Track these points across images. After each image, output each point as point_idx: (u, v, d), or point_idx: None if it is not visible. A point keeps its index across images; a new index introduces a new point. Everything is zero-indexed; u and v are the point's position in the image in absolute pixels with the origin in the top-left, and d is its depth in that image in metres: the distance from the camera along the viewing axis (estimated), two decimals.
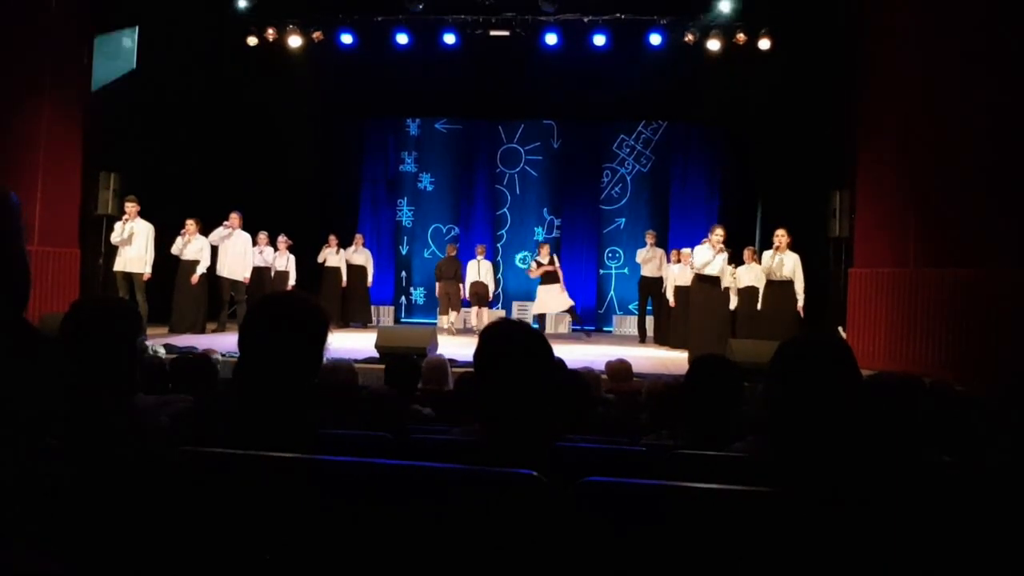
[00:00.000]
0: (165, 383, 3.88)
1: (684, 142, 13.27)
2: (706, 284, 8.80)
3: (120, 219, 9.22)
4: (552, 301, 11.13)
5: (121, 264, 9.16)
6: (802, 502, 1.37)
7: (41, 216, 8.46)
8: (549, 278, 11.08)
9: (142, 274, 9.15)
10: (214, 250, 9.96)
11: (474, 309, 11.57)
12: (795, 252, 8.51)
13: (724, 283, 8.72)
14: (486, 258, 11.77)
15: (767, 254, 8.51)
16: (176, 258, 9.62)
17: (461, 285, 11.49)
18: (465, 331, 11.57)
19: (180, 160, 11.00)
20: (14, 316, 1.25)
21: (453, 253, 11.77)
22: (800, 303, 8.46)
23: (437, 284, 11.73)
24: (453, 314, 11.58)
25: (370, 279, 12.20)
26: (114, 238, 9.16)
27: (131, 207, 9.18)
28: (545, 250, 11.31)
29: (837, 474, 1.57)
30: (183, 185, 10.84)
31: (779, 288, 8.48)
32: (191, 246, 9.61)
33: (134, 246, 9.12)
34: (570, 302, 11.26)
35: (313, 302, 1.79)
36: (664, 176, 13.27)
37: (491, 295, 11.73)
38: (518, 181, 13.60)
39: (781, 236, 8.43)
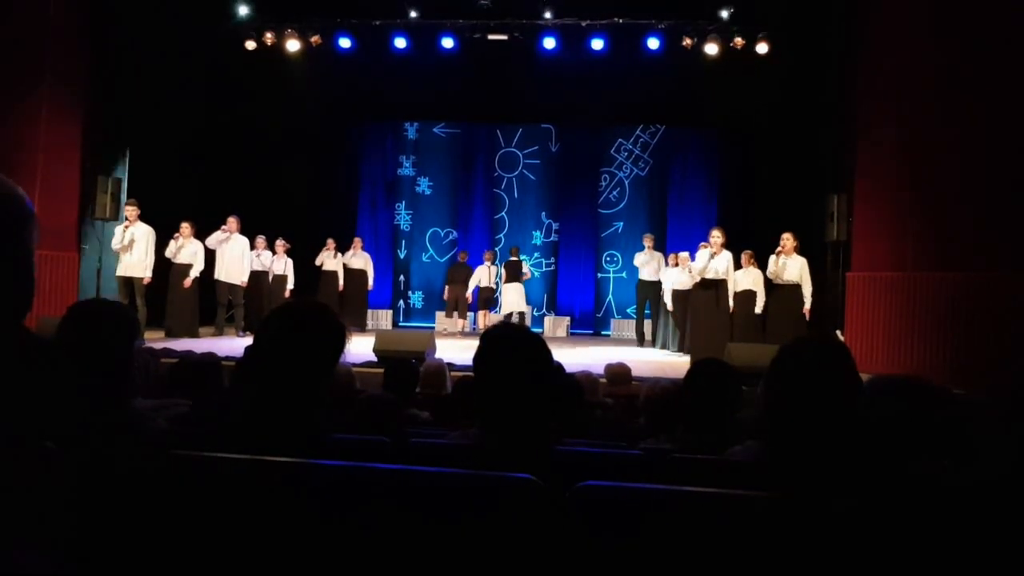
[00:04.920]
0: (164, 387, 3.88)
1: (682, 146, 13.30)
2: (707, 288, 8.82)
3: (120, 223, 9.21)
4: (517, 298, 11.36)
5: (122, 269, 9.15)
6: (800, 507, 1.37)
7: (39, 219, 8.42)
8: (514, 277, 11.39)
9: (143, 278, 9.15)
10: (212, 254, 9.94)
11: (481, 312, 11.70)
12: (801, 256, 8.53)
13: (730, 284, 8.77)
14: (493, 264, 11.89)
15: (771, 258, 8.52)
16: (169, 261, 9.59)
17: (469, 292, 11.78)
18: (474, 334, 11.63)
19: (178, 164, 11.00)
20: (13, 322, 1.25)
21: (464, 260, 12.05)
22: (807, 306, 8.48)
23: (447, 287, 11.97)
24: (461, 321, 11.82)
25: (371, 283, 12.23)
26: (114, 244, 9.14)
27: (131, 211, 9.17)
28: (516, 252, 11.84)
29: (835, 479, 1.57)
30: (181, 189, 10.84)
31: (783, 291, 8.49)
32: (185, 250, 9.59)
33: (135, 251, 9.11)
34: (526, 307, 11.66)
35: (334, 314, 1.82)
36: (662, 180, 13.30)
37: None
38: (516, 185, 13.61)
39: (787, 239, 8.45)
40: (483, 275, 11.72)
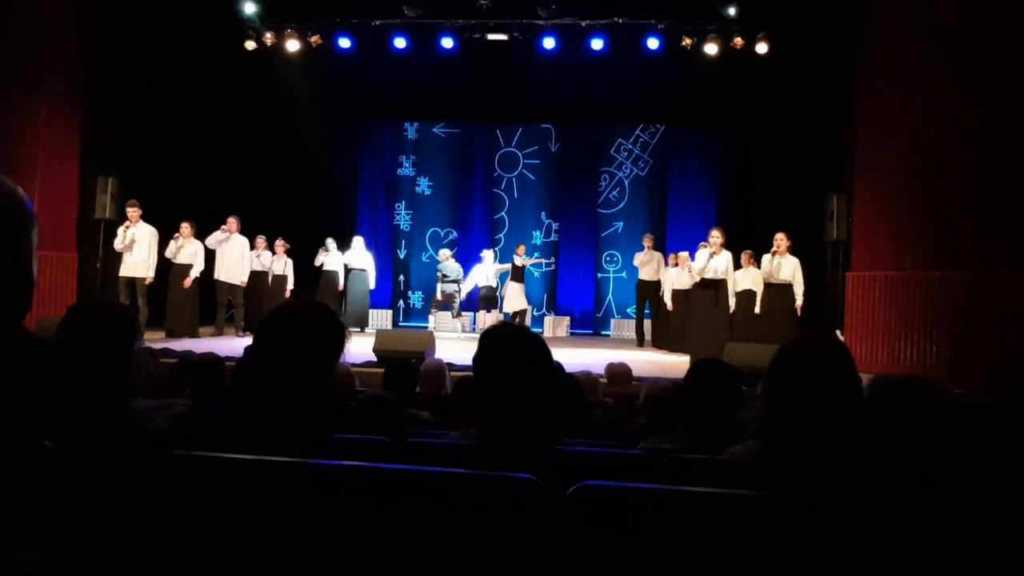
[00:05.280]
0: (164, 386, 3.88)
1: (682, 146, 13.31)
2: (707, 288, 8.82)
3: (122, 224, 9.21)
4: (518, 298, 11.33)
5: (125, 269, 9.15)
6: (800, 506, 1.37)
7: (39, 220, 8.43)
8: (518, 276, 11.37)
9: (145, 278, 9.14)
10: (212, 254, 9.94)
11: (482, 312, 11.70)
12: (795, 256, 8.54)
13: (730, 284, 8.78)
14: (494, 263, 11.87)
15: (766, 257, 8.54)
16: (169, 261, 9.58)
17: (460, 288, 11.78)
18: (474, 334, 11.62)
19: (178, 164, 11.00)
20: (13, 323, 1.25)
21: (445, 259, 12.04)
22: (799, 303, 8.50)
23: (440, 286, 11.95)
24: (455, 321, 11.84)
25: (372, 282, 12.21)
26: (116, 245, 9.14)
27: (133, 212, 9.16)
28: (522, 249, 11.69)
29: (835, 478, 1.57)
30: (181, 189, 10.84)
31: (777, 291, 8.51)
32: (185, 250, 9.58)
33: (137, 251, 9.11)
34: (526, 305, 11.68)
35: (334, 313, 1.82)
36: (662, 180, 13.31)
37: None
38: (516, 185, 13.62)
39: (780, 240, 8.46)
40: (482, 274, 11.68)
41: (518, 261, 11.57)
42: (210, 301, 10.07)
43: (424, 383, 4.82)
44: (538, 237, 13.50)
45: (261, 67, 11.64)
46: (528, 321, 11.69)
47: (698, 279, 8.94)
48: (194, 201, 10.76)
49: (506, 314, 11.37)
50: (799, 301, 8.49)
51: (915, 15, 8.03)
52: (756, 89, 11.25)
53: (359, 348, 7.77)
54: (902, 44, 8.16)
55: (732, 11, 10.62)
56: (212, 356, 3.97)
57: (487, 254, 11.81)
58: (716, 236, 8.80)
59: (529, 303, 11.98)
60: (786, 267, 8.47)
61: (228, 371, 3.93)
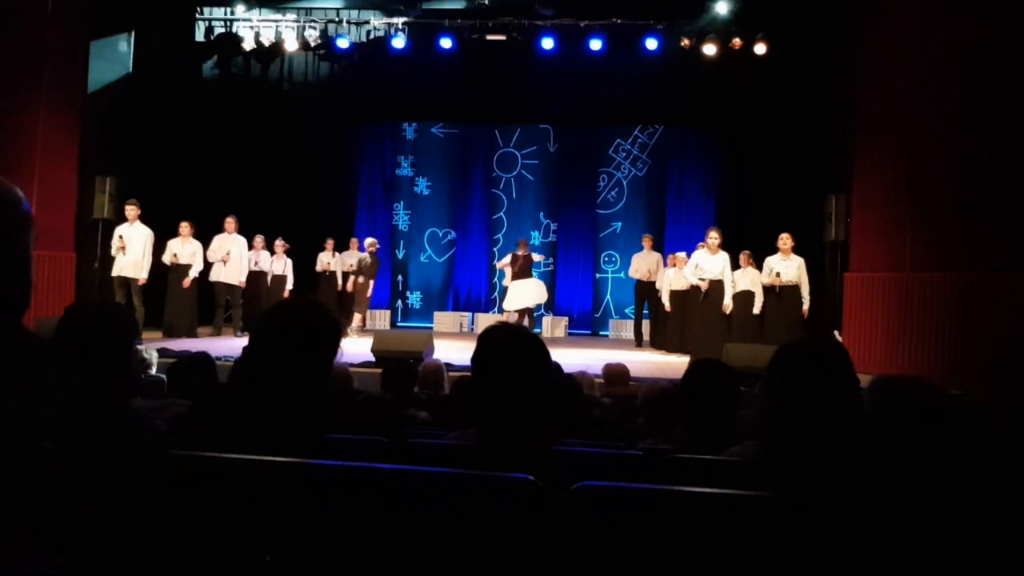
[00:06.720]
0: (161, 387, 3.87)
1: (680, 147, 13.30)
2: (707, 289, 8.82)
3: (121, 223, 9.19)
4: (524, 294, 11.05)
5: (117, 269, 9.13)
6: (798, 507, 1.37)
7: (37, 220, 8.41)
8: (523, 272, 11.06)
9: (138, 279, 9.13)
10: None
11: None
12: (797, 255, 8.55)
13: (727, 285, 8.76)
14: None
15: (774, 258, 8.52)
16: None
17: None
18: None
19: (177, 164, 11.00)
20: (11, 322, 1.25)
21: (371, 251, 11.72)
22: (806, 306, 8.49)
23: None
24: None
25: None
26: (112, 250, 9.13)
27: (131, 211, 9.14)
28: (524, 245, 11.25)
29: (834, 479, 1.57)
30: (180, 189, 10.84)
31: (782, 292, 8.50)
32: (184, 250, 9.57)
33: (131, 251, 9.09)
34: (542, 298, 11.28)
35: (329, 312, 1.81)
36: (660, 180, 13.30)
37: None
38: (515, 185, 13.61)
39: (786, 239, 8.46)
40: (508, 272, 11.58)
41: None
42: (209, 301, 10.06)
43: (422, 383, 4.82)
44: (536, 237, 13.49)
45: (260, 67, 11.63)
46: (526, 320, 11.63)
47: (696, 282, 8.94)
48: (193, 201, 10.75)
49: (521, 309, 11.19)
50: (806, 304, 8.47)
51: (914, 16, 8.03)
52: (754, 90, 11.26)
53: (358, 348, 7.77)
54: (901, 45, 8.17)
55: (723, 11, 10.63)
56: (202, 355, 3.94)
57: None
58: (714, 236, 8.80)
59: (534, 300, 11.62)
60: (790, 268, 8.47)
61: (219, 371, 3.90)
